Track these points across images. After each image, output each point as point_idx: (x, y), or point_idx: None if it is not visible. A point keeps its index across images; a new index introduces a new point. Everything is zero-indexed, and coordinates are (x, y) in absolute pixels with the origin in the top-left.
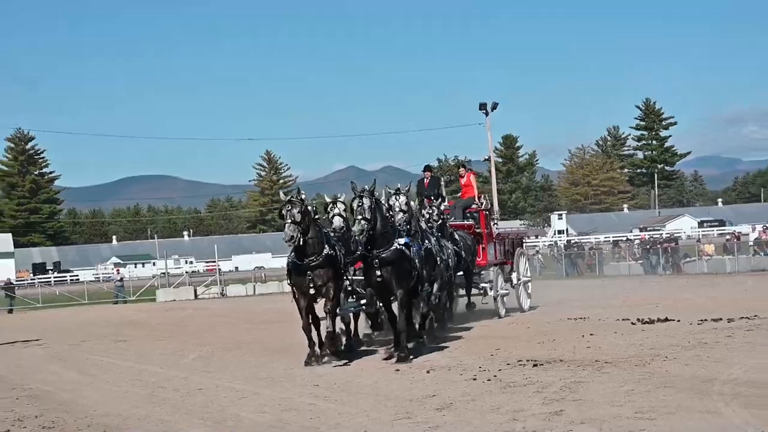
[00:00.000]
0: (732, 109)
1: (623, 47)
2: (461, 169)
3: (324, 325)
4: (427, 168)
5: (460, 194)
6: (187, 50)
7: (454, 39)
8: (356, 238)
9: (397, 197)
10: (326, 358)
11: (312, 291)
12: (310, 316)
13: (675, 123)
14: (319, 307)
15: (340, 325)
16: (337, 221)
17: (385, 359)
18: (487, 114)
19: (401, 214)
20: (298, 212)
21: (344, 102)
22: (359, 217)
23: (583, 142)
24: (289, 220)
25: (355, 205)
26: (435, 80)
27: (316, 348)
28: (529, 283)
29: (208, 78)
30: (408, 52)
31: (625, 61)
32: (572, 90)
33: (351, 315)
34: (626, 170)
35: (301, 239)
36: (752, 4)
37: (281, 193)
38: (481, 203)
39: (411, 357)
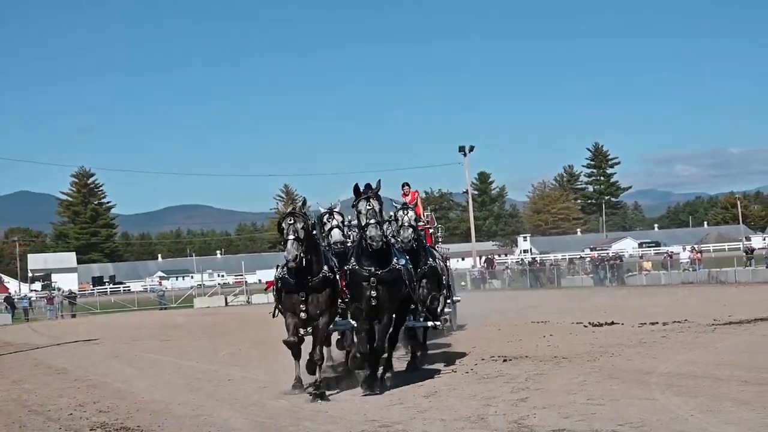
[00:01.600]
0: (665, 151)
1: (577, 99)
2: (405, 187)
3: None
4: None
5: None
6: (216, 106)
7: (434, 89)
8: (370, 246)
9: (405, 212)
10: (310, 388)
11: (303, 315)
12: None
13: (618, 162)
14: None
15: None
16: (337, 234)
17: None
18: (465, 155)
19: (410, 230)
20: (302, 228)
21: (352, 143)
22: (372, 221)
23: (544, 178)
24: (292, 236)
25: (362, 207)
26: (419, 124)
27: (301, 370)
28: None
29: (239, 124)
30: (398, 101)
31: (579, 110)
32: (536, 134)
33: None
34: (579, 201)
35: (303, 259)
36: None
37: (280, 206)
38: (426, 221)
39: (377, 390)
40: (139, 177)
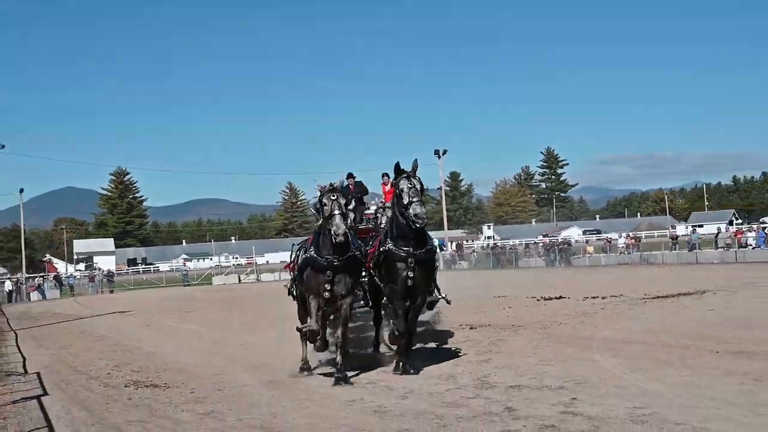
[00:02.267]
0: (606, 154)
1: (534, 108)
2: (385, 177)
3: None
4: (350, 175)
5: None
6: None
7: (411, 100)
8: (416, 224)
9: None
10: (337, 373)
11: (327, 295)
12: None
13: (567, 164)
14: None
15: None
16: (340, 222)
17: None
18: (439, 157)
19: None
20: (345, 203)
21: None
22: (416, 199)
23: (505, 176)
24: (338, 211)
25: (404, 185)
26: (400, 128)
27: (307, 352)
28: None
29: (255, 125)
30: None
31: (535, 118)
32: (499, 139)
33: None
34: (534, 195)
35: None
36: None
37: (317, 185)
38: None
39: (412, 371)
40: (167, 174)
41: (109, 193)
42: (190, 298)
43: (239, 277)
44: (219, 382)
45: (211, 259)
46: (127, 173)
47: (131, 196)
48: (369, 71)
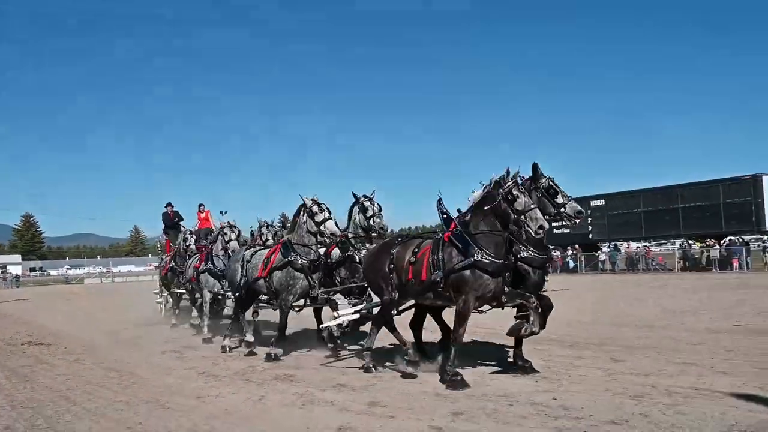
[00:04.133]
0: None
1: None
2: (201, 206)
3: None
4: (168, 204)
5: (198, 226)
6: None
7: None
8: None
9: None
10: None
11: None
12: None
13: None
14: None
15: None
16: (332, 226)
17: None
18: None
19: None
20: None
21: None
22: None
23: None
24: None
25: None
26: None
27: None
28: None
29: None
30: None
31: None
32: None
33: None
34: None
35: None
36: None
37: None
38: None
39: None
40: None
41: (20, 228)
42: (69, 292)
43: (101, 280)
44: (83, 341)
45: (84, 268)
46: (32, 216)
47: (34, 230)
48: None
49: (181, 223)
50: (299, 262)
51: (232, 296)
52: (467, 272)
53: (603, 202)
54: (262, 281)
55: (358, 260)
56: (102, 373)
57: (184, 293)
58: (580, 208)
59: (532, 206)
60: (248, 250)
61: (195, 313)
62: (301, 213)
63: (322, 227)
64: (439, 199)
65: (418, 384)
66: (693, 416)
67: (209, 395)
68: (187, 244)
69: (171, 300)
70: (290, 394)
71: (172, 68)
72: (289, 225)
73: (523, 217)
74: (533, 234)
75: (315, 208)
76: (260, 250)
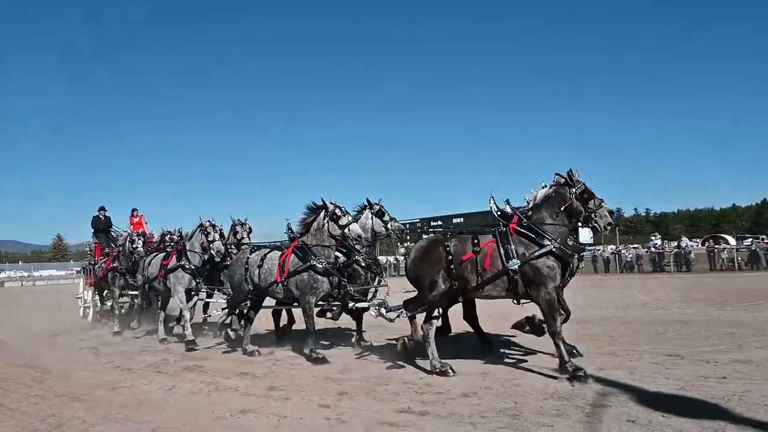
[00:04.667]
0: None
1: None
2: (135, 212)
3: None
4: (102, 208)
5: (131, 230)
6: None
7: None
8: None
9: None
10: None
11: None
12: None
13: None
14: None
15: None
16: (356, 228)
17: None
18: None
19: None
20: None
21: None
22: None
23: None
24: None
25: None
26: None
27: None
28: None
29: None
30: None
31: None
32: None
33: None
34: None
35: None
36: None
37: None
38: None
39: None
40: None
41: None
42: None
43: (22, 283)
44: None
45: (5, 272)
46: None
47: None
48: None
49: (111, 228)
50: (323, 264)
51: (226, 297)
52: (543, 260)
53: None
54: (279, 285)
55: (364, 265)
56: (17, 370)
57: (129, 295)
58: (612, 209)
59: (603, 204)
60: (254, 254)
61: (162, 315)
62: (322, 216)
63: (346, 230)
64: (491, 197)
65: (310, 370)
66: (525, 387)
67: (123, 386)
68: (134, 246)
69: (101, 304)
70: (198, 383)
71: None
72: (288, 231)
73: (593, 214)
74: (601, 229)
75: (338, 212)
76: (268, 253)
